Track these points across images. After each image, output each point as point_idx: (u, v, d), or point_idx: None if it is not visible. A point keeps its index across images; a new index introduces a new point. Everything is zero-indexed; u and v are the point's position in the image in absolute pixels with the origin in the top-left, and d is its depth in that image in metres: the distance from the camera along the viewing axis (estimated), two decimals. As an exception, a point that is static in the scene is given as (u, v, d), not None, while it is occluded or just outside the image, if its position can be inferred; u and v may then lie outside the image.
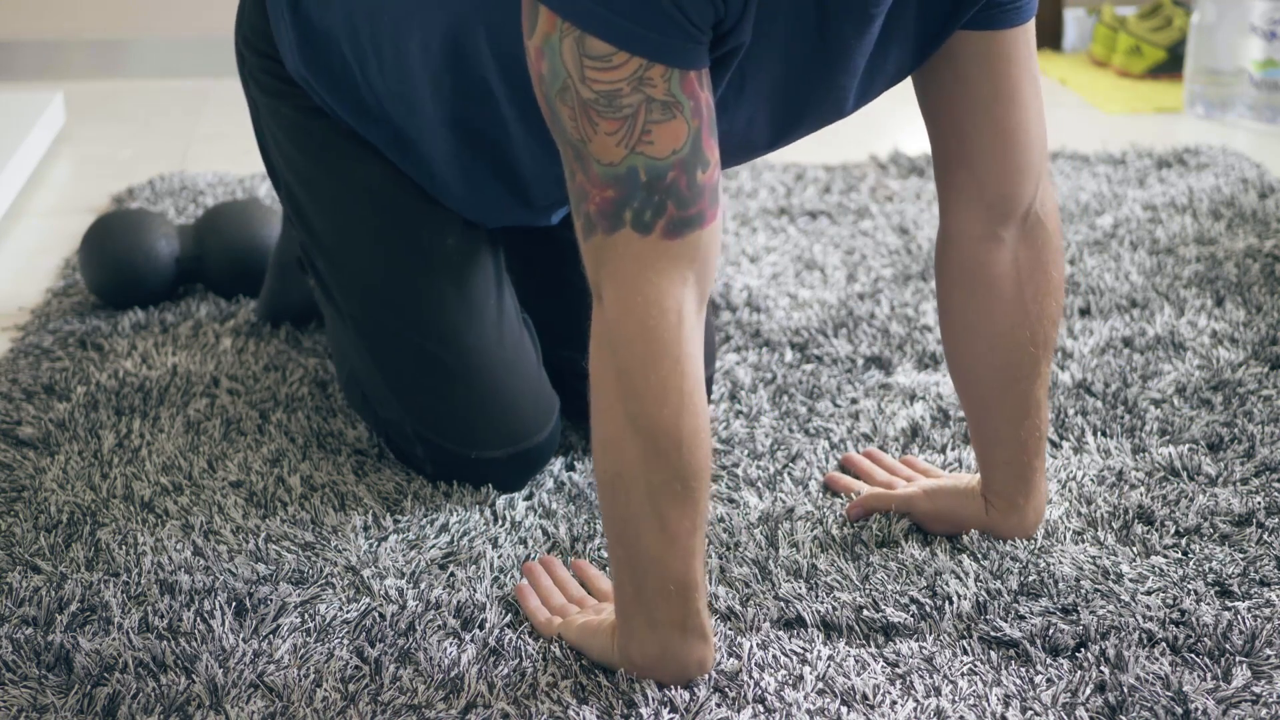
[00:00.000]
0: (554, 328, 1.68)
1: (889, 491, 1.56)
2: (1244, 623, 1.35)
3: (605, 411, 1.22)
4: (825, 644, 1.34)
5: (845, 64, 1.33)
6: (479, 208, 1.63)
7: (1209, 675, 1.29)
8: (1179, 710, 1.24)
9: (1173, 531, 1.52)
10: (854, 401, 1.82)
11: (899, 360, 1.93)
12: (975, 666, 1.31)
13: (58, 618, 1.38)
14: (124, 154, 2.99)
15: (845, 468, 1.67)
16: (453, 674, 1.30)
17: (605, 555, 1.49)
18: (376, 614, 1.39)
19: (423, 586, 1.44)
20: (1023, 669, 1.31)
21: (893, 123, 2.94)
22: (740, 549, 1.50)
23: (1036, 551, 1.48)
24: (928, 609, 1.38)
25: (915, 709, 1.25)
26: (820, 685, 1.28)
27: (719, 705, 1.25)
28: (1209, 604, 1.39)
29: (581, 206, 1.23)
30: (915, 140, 2.87)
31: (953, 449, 1.71)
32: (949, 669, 1.31)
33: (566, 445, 1.72)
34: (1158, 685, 1.27)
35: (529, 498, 1.62)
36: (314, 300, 1.92)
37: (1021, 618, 1.37)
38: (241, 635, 1.36)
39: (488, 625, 1.37)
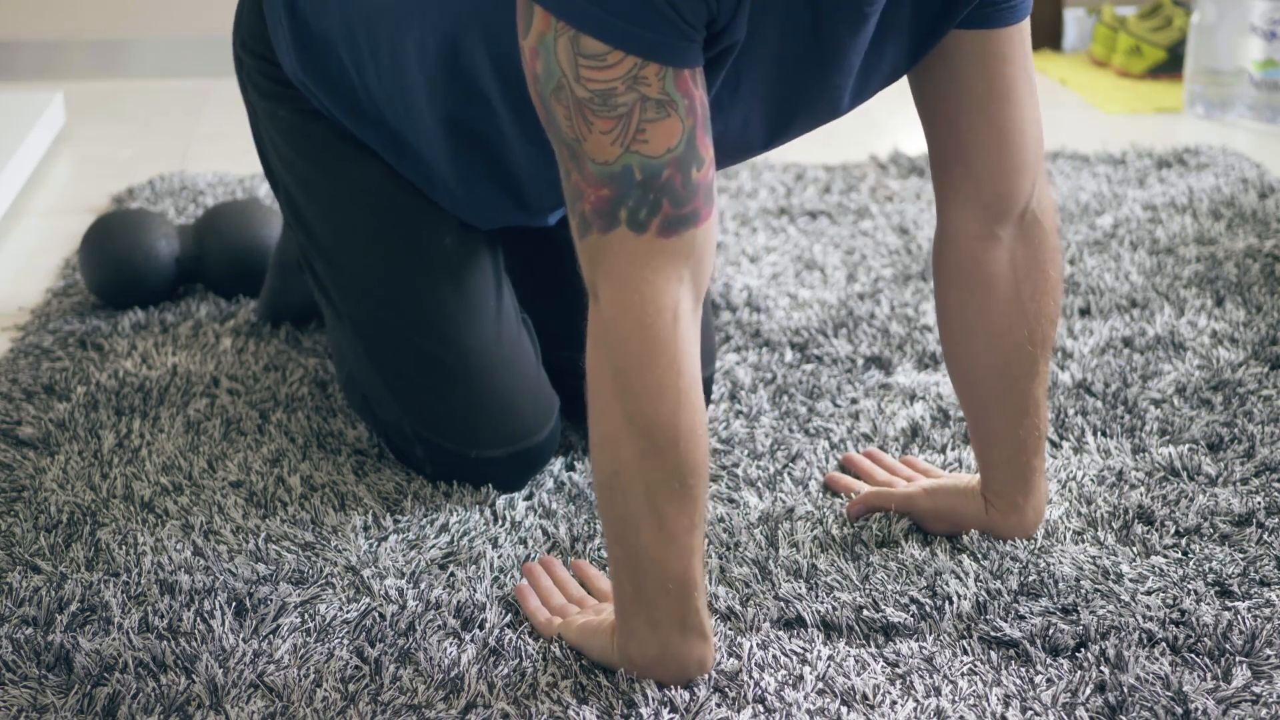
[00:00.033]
0: (552, 328, 1.68)
1: (890, 490, 1.56)
2: (1244, 623, 1.35)
3: (602, 410, 1.22)
4: (825, 644, 1.34)
5: (840, 63, 1.33)
6: (475, 209, 1.63)
7: (1209, 675, 1.29)
8: (1179, 710, 1.24)
9: (1173, 531, 1.52)
10: (854, 401, 1.82)
11: (899, 360, 1.93)
12: (975, 666, 1.31)
13: (58, 618, 1.38)
14: (124, 154, 2.99)
15: (845, 468, 1.67)
16: (453, 674, 1.30)
17: (605, 555, 1.49)
18: (376, 614, 1.39)
19: (423, 586, 1.44)
20: (1023, 669, 1.31)
21: (893, 123, 2.94)
22: (740, 549, 1.50)
23: (1036, 551, 1.48)
24: (928, 609, 1.38)
25: (915, 709, 1.25)
26: (820, 685, 1.28)
27: (719, 705, 1.25)
28: (1209, 604, 1.39)
29: (577, 206, 1.23)
30: (915, 140, 2.87)
31: (953, 449, 1.71)
32: (949, 669, 1.31)
33: (566, 445, 1.72)
34: (1158, 685, 1.27)
35: (529, 498, 1.62)
36: (314, 300, 1.92)
37: (1021, 618, 1.37)
38: (241, 635, 1.36)
39: (488, 625, 1.37)
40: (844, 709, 1.25)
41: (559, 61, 1.20)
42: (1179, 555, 1.48)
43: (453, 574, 1.47)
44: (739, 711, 1.25)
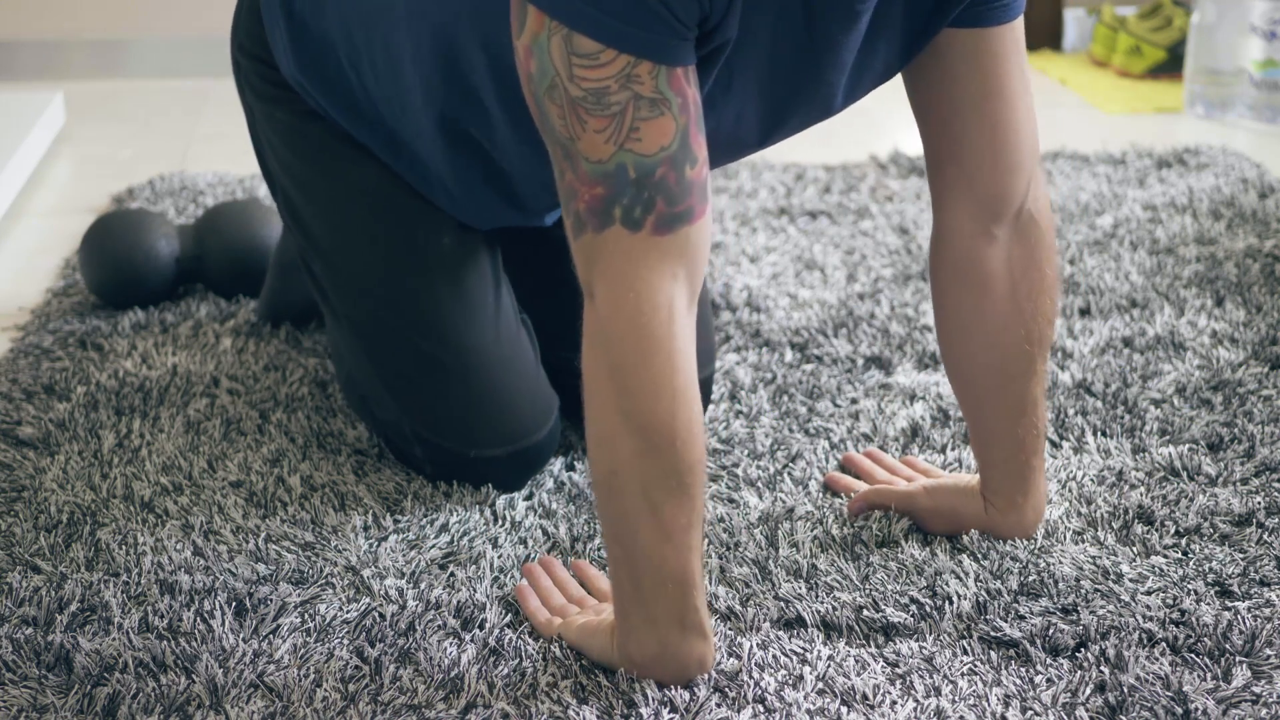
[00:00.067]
0: (550, 328, 1.68)
1: (890, 488, 1.56)
2: (1244, 623, 1.35)
3: (599, 409, 1.23)
4: (825, 644, 1.34)
5: (832, 60, 1.34)
6: (472, 209, 1.63)
7: (1209, 675, 1.29)
8: (1179, 710, 1.24)
9: (1173, 531, 1.52)
10: (854, 401, 1.82)
11: (899, 360, 1.93)
12: (975, 666, 1.31)
13: (58, 618, 1.38)
14: (124, 154, 2.99)
15: (845, 467, 1.67)
16: (453, 674, 1.30)
17: (605, 555, 1.49)
18: (376, 614, 1.39)
19: (423, 586, 1.44)
20: (1023, 669, 1.31)
21: (893, 123, 2.94)
22: (740, 549, 1.50)
23: (1036, 551, 1.48)
24: (928, 609, 1.38)
25: (915, 709, 1.25)
26: (820, 685, 1.28)
27: (719, 705, 1.25)
28: (1209, 604, 1.39)
29: (571, 205, 1.23)
30: (915, 140, 2.85)
31: (953, 449, 1.71)
32: (949, 669, 1.31)
33: (566, 445, 1.72)
34: (1158, 685, 1.27)
35: (529, 498, 1.62)
36: (314, 300, 1.92)
37: (1021, 618, 1.37)
38: (241, 635, 1.36)
39: (488, 625, 1.37)
40: (844, 709, 1.25)
41: (553, 60, 1.20)
42: (1179, 555, 1.48)
43: (453, 574, 1.47)
44: (739, 711, 1.25)
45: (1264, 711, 1.24)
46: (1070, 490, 1.60)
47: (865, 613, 1.38)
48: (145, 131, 3.19)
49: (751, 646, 1.33)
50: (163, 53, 3.67)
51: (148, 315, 2.09)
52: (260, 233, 2.16)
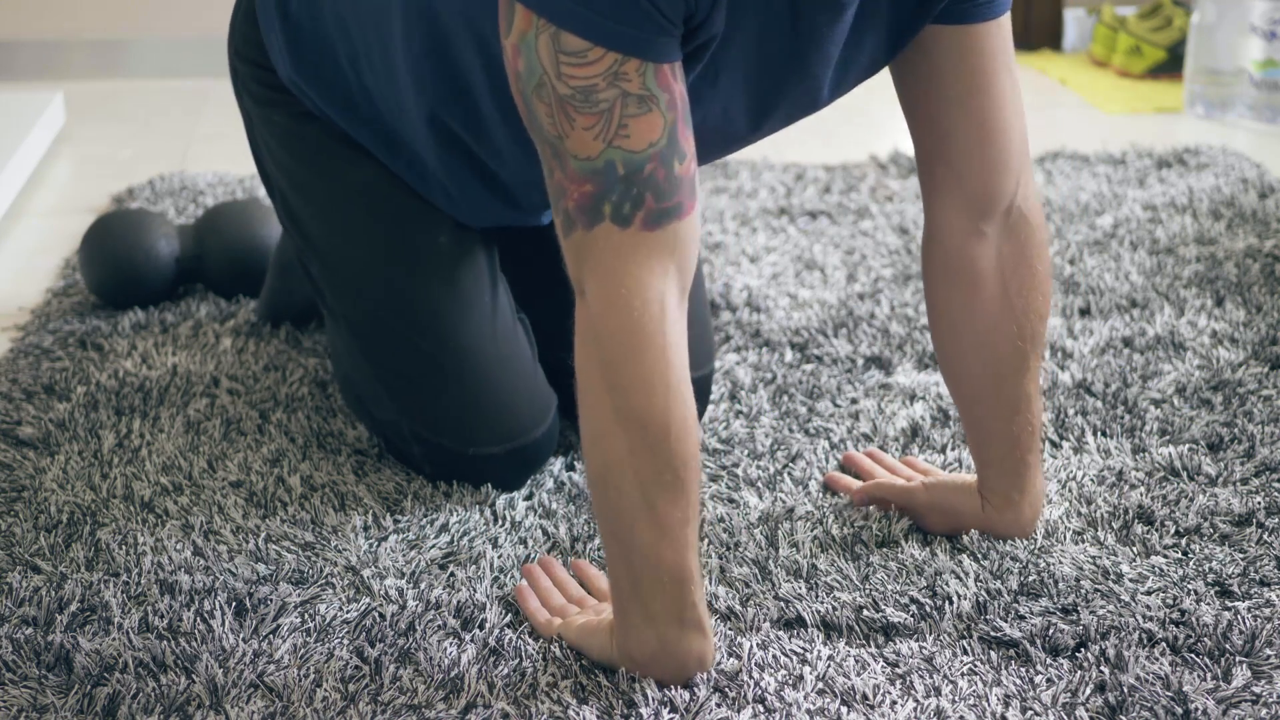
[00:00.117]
0: (548, 327, 1.68)
1: (891, 482, 1.56)
2: (1244, 623, 1.35)
3: (593, 406, 1.23)
4: (825, 644, 1.34)
5: (818, 53, 1.34)
6: (468, 208, 1.63)
7: (1209, 675, 1.29)
8: (1179, 710, 1.24)
9: (1173, 531, 1.52)
10: (854, 401, 1.82)
11: (899, 360, 1.93)
12: (975, 666, 1.31)
13: (58, 618, 1.38)
14: (124, 154, 2.99)
15: (845, 467, 1.67)
16: (453, 674, 1.30)
17: (604, 555, 1.49)
18: (376, 614, 1.39)
19: (423, 586, 1.44)
20: (1023, 669, 1.31)
21: (893, 123, 2.93)
22: (740, 549, 1.50)
23: (1036, 551, 1.48)
24: (928, 609, 1.38)
25: (915, 709, 1.25)
26: (820, 685, 1.28)
27: (719, 705, 1.25)
28: (1209, 604, 1.39)
29: (560, 204, 1.23)
30: (915, 140, 2.86)
31: (953, 449, 1.71)
32: (949, 669, 1.31)
33: (566, 445, 1.72)
34: (1158, 685, 1.27)
35: (529, 498, 1.62)
36: (314, 300, 1.92)
37: (1021, 618, 1.37)
38: (241, 635, 1.36)
39: (488, 625, 1.37)
40: (844, 709, 1.25)
41: (540, 59, 1.20)
42: (1179, 555, 1.48)
43: (453, 574, 1.47)
44: (739, 711, 1.25)
45: (1264, 711, 1.24)
46: (1070, 490, 1.60)
47: (865, 613, 1.38)
48: (145, 131, 3.19)
49: (751, 646, 1.33)
50: (163, 53, 3.67)
51: (148, 315, 2.09)
52: (260, 233, 2.16)
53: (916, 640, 1.35)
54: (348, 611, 1.40)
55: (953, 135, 1.41)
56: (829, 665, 1.31)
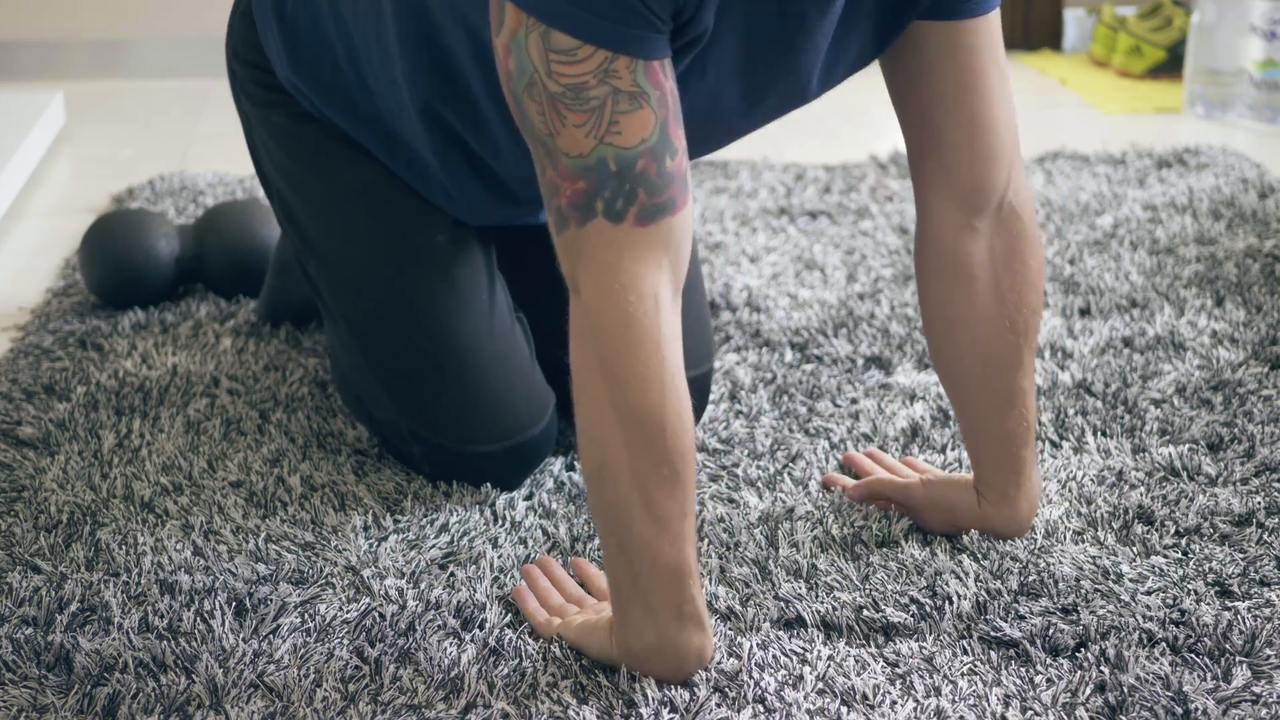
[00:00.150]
0: (545, 326, 1.68)
1: (890, 478, 1.57)
2: (1244, 623, 1.35)
3: (589, 403, 1.23)
4: (825, 644, 1.34)
5: (807, 44, 1.34)
6: (467, 206, 1.63)
7: (1209, 675, 1.29)
8: (1179, 710, 1.24)
9: (1173, 531, 1.52)
10: (854, 401, 1.82)
11: (899, 360, 1.93)
12: (975, 666, 1.31)
13: (58, 618, 1.38)
14: (124, 154, 2.99)
15: (845, 467, 1.67)
16: (453, 674, 1.30)
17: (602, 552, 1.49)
18: (376, 614, 1.39)
19: (423, 586, 1.44)
20: (1023, 669, 1.31)
21: (893, 123, 2.92)
22: (740, 549, 1.50)
23: (1036, 551, 1.48)
24: (928, 609, 1.38)
25: (915, 709, 1.25)
26: (820, 685, 1.28)
27: (719, 705, 1.25)
28: (1209, 604, 1.39)
29: (553, 202, 1.24)
30: (915, 140, 2.87)
31: (953, 449, 1.71)
32: (949, 669, 1.31)
33: (566, 445, 1.72)
34: (1158, 685, 1.27)
35: (529, 498, 1.62)
36: (314, 300, 1.92)
37: (1021, 618, 1.37)
38: (241, 635, 1.36)
39: (488, 625, 1.37)
40: (844, 709, 1.25)
41: (530, 57, 1.21)
42: (1179, 555, 1.48)
43: (453, 574, 1.47)
44: (739, 711, 1.25)
45: (1264, 711, 1.24)
46: (1070, 490, 1.60)
47: (865, 613, 1.38)
48: (145, 131, 3.19)
49: (751, 646, 1.33)
50: (163, 53, 3.67)
51: (148, 315, 2.09)
52: (260, 233, 2.16)
53: (916, 640, 1.35)
54: (348, 611, 1.40)
55: (943, 131, 1.41)
56: (829, 665, 1.31)
